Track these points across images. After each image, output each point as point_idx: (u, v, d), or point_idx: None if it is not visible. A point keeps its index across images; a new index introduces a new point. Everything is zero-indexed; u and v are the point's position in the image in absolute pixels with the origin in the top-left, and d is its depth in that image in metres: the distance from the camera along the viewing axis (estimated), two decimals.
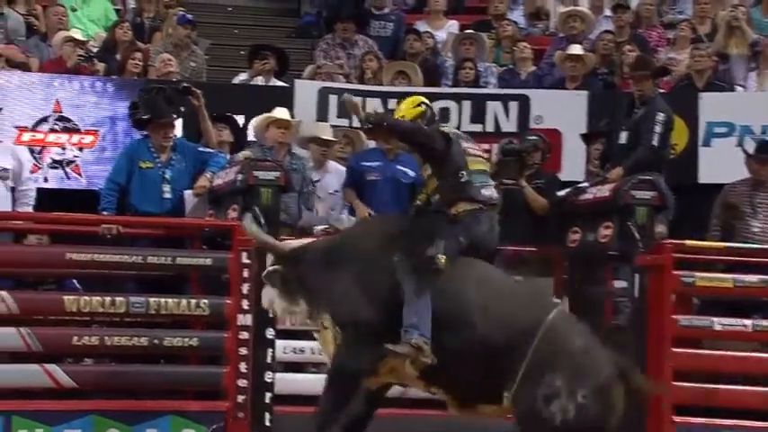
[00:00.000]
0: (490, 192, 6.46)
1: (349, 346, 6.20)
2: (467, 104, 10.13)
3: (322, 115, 9.89)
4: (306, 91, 9.97)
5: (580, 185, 8.57)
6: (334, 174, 9.15)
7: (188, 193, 8.43)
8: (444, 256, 6.13)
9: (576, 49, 10.60)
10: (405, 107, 6.70)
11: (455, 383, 6.19)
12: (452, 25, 11.95)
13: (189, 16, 10.96)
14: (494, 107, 10.10)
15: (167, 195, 8.35)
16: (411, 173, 8.69)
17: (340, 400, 6.24)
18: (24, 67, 9.75)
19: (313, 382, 7.26)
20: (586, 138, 9.46)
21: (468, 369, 6.08)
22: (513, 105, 10.11)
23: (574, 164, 9.67)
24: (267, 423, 7.62)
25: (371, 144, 9.18)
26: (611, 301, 8.26)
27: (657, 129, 8.73)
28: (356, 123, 9.95)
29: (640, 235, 7.84)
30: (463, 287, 6.15)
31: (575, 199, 8.34)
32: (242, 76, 10.58)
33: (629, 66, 9.94)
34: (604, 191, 8.11)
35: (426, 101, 6.73)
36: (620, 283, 8.12)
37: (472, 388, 6.17)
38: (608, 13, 11.89)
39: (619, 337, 7.81)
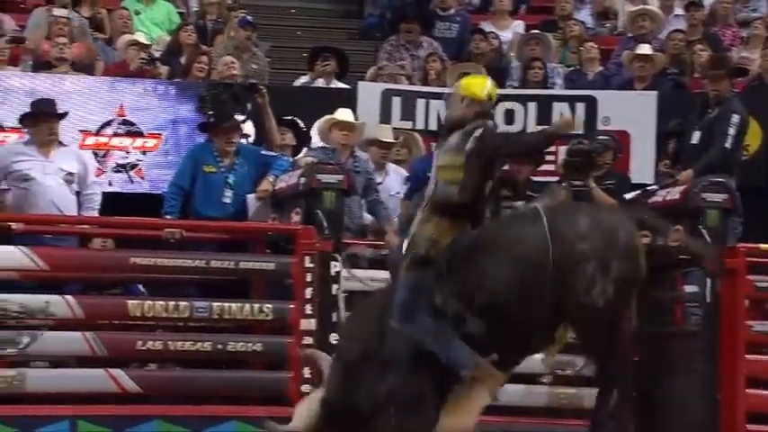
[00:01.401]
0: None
1: None
2: (532, 106, 10.12)
3: (385, 117, 9.92)
4: (369, 93, 10.01)
5: (649, 188, 8.51)
6: (394, 176, 9.18)
7: (251, 196, 8.51)
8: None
9: (644, 49, 10.52)
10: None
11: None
12: (518, 25, 11.93)
13: (249, 18, 11.04)
14: (560, 108, 10.07)
15: (230, 200, 8.43)
16: None
17: None
18: (88, 71, 9.86)
19: None
20: (666, 136, 9.37)
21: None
22: (580, 106, 10.08)
23: (642, 165, 9.61)
24: None
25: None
26: (682, 306, 8.22)
27: (731, 131, 8.65)
28: (419, 126, 10.02)
29: (712, 238, 7.78)
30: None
31: (644, 202, 8.28)
32: (303, 79, 10.65)
33: (702, 65, 9.85)
34: (674, 193, 8.05)
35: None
36: (691, 288, 8.05)
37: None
38: (678, 12, 11.81)
39: (690, 343, 7.77)
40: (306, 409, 6.36)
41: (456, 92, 6.46)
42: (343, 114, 8.94)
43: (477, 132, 6.19)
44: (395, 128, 9.66)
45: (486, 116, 6.36)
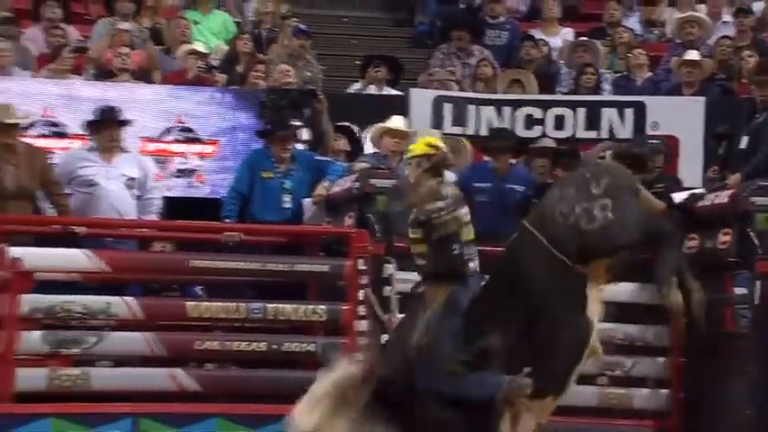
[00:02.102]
0: (475, 265, 6.19)
1: None
2: (581, 111, 10.06)
3: (437, 123, 9.89)
4: (421, 99, 9.99)
5: (697, 191, 8.43)
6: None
7: (306, 201, 8.54)
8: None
9: (693, 55, 10.46)
10: (418, 145, 6.34)
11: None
12: (567, 33, 11.89)
13: (303, 27, 11.10)
14: (609, 114, 10.01)
15: (287, 205, 8.48)
16: (520, 189, 8.64)
17: None
18: (148, 79, 9.94)
19: None
20: (717, 138, 9.28)
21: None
22: (629, 112, 10.02)
23: (691, 170, 9.52)
24: None
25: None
26: (731, 309, 8.15)
27: None
28: (470, 132, 9.99)
29: (760, 241, 7.70)
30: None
31: (693, 205, 8.21)
32: (356, 86, 10.67)
33: (749, 71, 9.76)
34: (723, 197, 7.97)
35: (440, 145, 6.38)
36: (739, 290, 7.98)
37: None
38: (726, 18, 11.74)
39: (739, 345, 7.70)
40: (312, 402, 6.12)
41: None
42: (395, 122, 8.94)
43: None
44: (446, 133, 9.62)
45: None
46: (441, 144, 6.41)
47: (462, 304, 6.02)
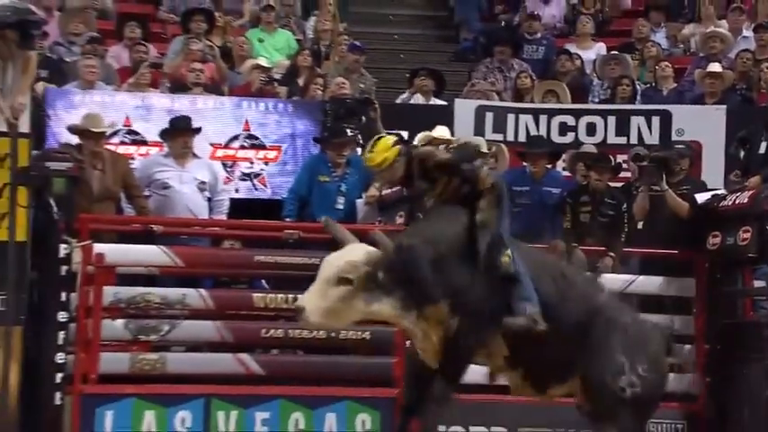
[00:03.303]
0: None
1: (469, 332, 5.91)
2: (612, 119, 10.04)
3: (479, 131, 9.90)
4: (464, 109, 10.01)
5: (719, 192, 8.39)
6: None
7: (359, 201, 8.56)
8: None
9: (715, 67, 10.42)
10: (380, 150, 6.15)
11: (535, 364, 6.07)
12: (599, 47, 11.87)
13: (357, 43, 11.15)
14: (637, 121, 9.98)
15: (342, 206, 8.50)
16: (556, 191, 8.63)
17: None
18: (218, 92, 10.03)
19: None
20: (741, 141, 9.19)
21: (548, 348, 5.97)
22: (656, 120, 9.98)
23: (713, 173, 9.47)
24: None
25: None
26: (751, 300, 8.10)
27: None
28: (509, 138, 9.99)
29: None
30: (538, 273, 6.01)
31: (715, 205, 8.17)
32: (403, 96, 10.70)
33: (767, 82, 9.71)
34: (743, 197, 7.92)
35: (398, 139, 6.30)
36: (758, 283, 7.95)
37: (549, 368, 6.09)
38: (746, 33, 11.67)
39: (759, 333, 7.65)
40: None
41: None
42: (440, 131, 8.94)
43: None
44: (487, 140, 9.62)
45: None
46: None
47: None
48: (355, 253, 5.75)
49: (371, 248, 5.77)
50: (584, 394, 6.10)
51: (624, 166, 9.26)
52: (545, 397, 6.33)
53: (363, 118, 8.87)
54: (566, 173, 9.33)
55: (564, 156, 9.37)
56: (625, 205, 8.35)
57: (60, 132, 8.83)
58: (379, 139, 6.24)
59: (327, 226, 6.07)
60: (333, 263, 5.74)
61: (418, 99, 10.45)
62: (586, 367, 6.04)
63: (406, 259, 5.74)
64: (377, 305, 5.76)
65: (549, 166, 8.94)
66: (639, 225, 8.52)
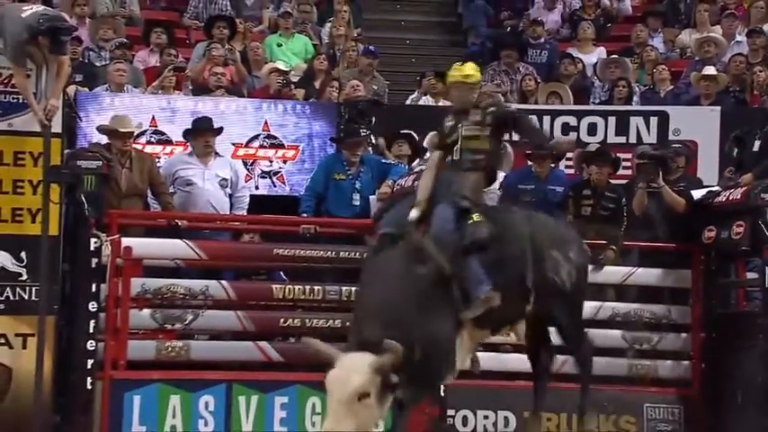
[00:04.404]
0: None
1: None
2: (612, 120, 9.98)
3: None
4: None
5: (714, 189, 8.35)
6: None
7: (373, 198, 8.54)
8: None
9: (710, 70, 10.40)
10: (470, 66, 6.59)
11: (496, 317, 6.16)
12: (600, 51, 11.82)
13: (371, 48, 11.13)
14: (636, 122, 9.92)
15: (357, 202, 8.48)
16: (559, 189, 8.60)
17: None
18: (239, 94, 10.02)
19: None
20: (736, 140, 9.14)
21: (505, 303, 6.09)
22: (654, 120, 9.92)
23: (708, 171, 9.43)
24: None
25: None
26: (744, 291, 8.06)
27: None
28: (514, 138, 9.92)
29: None
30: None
31: (710, 201, 8.13)
32: (413, 97, 10.68)
33: (760, 84, 9.67)
34: (737, 194, 7.89)
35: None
36: (751, 275, 7.91)
37: (512, 309, 6.24)
38: (739, 38, 11.63)
39: (752, 322, 7.61)
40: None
41: (456, 81, 6.50)
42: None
43: (492, 108, 6.46)
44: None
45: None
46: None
47: None
48: (358, 368, 5.59)
49: (369, 358, 5.61)
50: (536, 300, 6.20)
51: (627, 164, 9.20)
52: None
53: (374, 119, 8.84)
54: (569, 171, 9.28)
55: (570, 154, 9.31)
56: (624, 199, 8.31)
57: (91, 133, 8.83)
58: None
59: (309, 346, 5.95)
60: (344, 383, 5.56)
61: (428, 100, 10.42)
62: (533, 275, 6.19)
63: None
64: (390, 401, 5.75)
65: (553, 165, 8.89)
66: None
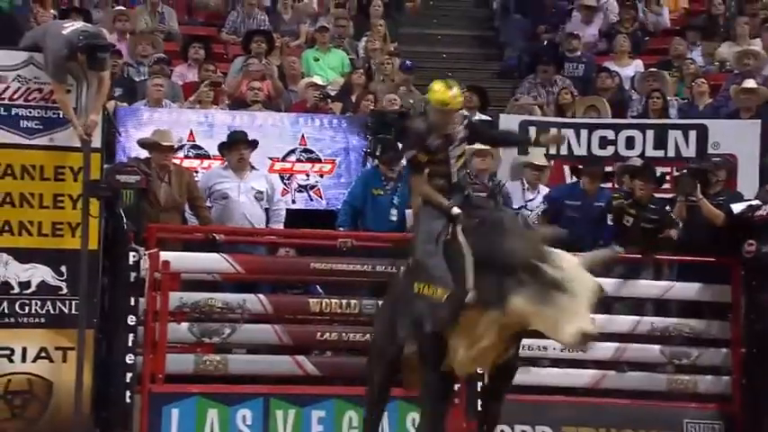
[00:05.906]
0: None
1: None
2: (650, 133, 9.89)
3: None
4: (508, 123, 9.91)
5: (754, 203, 8.28)
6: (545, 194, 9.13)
7: (408, 211, 8.52)
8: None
9: (749, 83, 10.30)
10: (456, 90, 6.49)
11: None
12: (638, 65, 11.77)
13: (408, 63, 11.15)
14: (674, 135, 9.82)
15: (394, 217, 8.46)
16: (602, 206, 8.56)
17: None
18: (276, 108, 10.06)
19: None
20: None
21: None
22: (693, 134, 9.83)
23: (748, 185, 9.33)
24: None
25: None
26: None
27: None
28: (551, 152, 9.90)
29: None
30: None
31: (750, 215, 8.06)
32: None
33: None
34: None
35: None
36: None
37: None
38: None
39: None
40: None
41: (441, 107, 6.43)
42: (481, 144, 8.91)
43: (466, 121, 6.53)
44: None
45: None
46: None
47: None
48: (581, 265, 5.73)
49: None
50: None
51: (667, 178, 9.13)
52: None
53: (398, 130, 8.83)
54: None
55: (611, 168, 9.27)
56: (668, 209, 8.25)
57: (130, 147, 8.90)
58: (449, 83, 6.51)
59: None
60: (585, 284, 5.64)
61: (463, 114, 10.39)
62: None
63: None
64: None
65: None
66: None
